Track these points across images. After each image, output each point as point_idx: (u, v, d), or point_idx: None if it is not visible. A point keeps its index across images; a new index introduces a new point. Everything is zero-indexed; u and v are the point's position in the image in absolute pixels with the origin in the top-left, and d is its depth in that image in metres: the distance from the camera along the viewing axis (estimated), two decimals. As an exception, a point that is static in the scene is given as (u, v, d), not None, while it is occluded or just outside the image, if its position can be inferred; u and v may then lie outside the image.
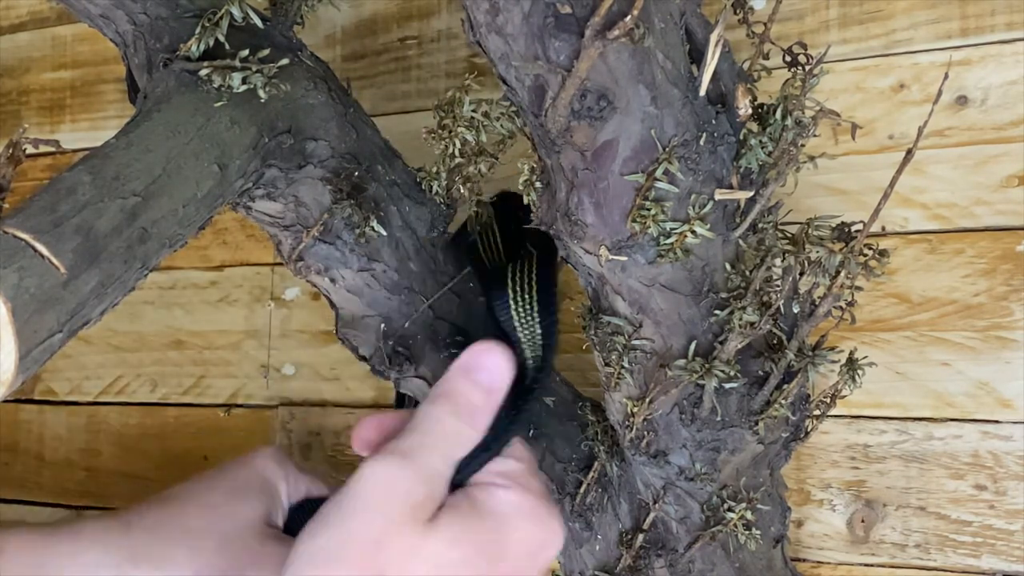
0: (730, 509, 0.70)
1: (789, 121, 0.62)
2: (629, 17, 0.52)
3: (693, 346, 0.65)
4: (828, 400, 0.71)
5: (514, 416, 0.58)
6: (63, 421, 1.10)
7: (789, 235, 0.64)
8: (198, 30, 0.67)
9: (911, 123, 0.80)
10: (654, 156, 0.59)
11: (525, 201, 0.67)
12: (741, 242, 0.65)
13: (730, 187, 0.62)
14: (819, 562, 0.82)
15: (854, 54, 0.83)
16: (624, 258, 0.63)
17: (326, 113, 0.73)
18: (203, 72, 0.65)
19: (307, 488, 0.75)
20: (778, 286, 0.65)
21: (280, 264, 0.92)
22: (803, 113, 0.63)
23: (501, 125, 0.75)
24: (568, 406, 0.79)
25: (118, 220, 0.56)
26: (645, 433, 0.68)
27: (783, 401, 0.67)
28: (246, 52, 0.66)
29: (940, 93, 0.63)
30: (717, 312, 0.65)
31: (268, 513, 0.72)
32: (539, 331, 0.64)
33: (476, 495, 0.54)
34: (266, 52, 0.67)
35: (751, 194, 0.63)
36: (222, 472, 0.75)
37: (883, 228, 0.80)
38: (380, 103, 0.97)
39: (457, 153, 0.76)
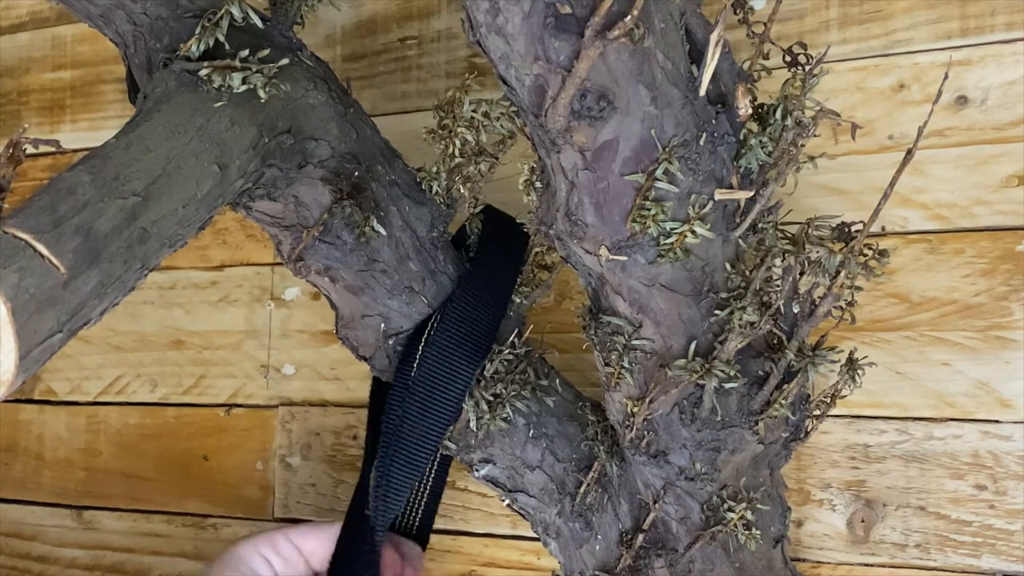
0: (730, 509, 0.70)
1: (789, 121, 0.62)
2: (629, 17, 0.52)
3: (693, 346, 0.65)
4: (828, 400, 0.71)
5: None
6: (63, 421, 1.10)
7: (789, 235, 0.64)
8: (198, 30, 0.67)
9: (911, 123, 0.80)
10: (654, 156, 0.59)
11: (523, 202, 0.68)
12: (741, 242, 0.65)
13: (730, 187, 0.62)
14: (819, 562, 0.82)
15: (854, 54, 0.83)
16: (624, 258, 0.63)
17: (326, 113, 0.73)
18: (203, 72, 0.65)
19: (291, 541, 0.80)
20: (778, 286, 0.65)
21: (280, 264, 0.92)
22: (803, 113, 0.63)
23: (501, 125, 0.75)
24: (568, 406, 0.79)
25: (118, 220, 0.56)
26: (645, 433, 0.68)
27: (783, 401, 0.67)
28: (246, 52, 0.66)
29: (940, 93, 0.63)
30: (717, 312, 0.65)
31: None
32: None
33: None
34: (266, 52, 0.67)
35: (751, 194, 0.63)
36: None
37: (883, 228, 0.79)
38: (380, 103, 0.97)
39: (457, 153, 0.76)
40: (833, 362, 0.68)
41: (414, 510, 0.84)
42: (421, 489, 0.84)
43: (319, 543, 0.79)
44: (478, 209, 0.81)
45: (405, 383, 0.76)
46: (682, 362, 0.65)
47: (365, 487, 0.79)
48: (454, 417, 0.76)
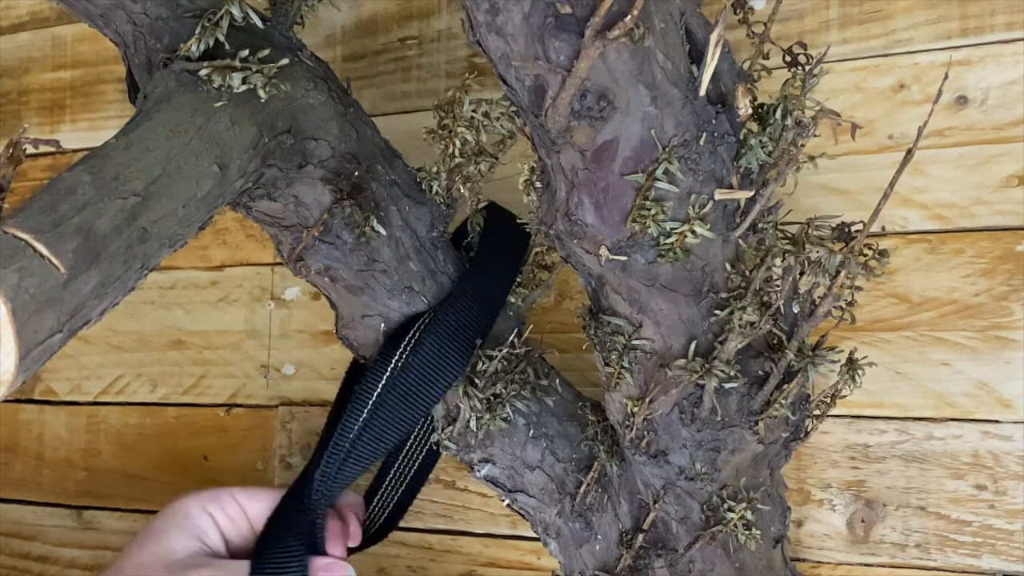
0: (730, 509, 0.71)
1: (789, 121, 0.62)
2: (629, 17, 0.52)
3: (693, 346, 0.65)
4: (828, 400, 0.71)
5: None
6: (63, 421, 1.10)
7: (789, 235, 0.64)
8: (198, 30, 0.67)
9: (911, 123, 0.80)
10: (654, 156, 0.59)
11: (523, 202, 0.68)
12: (741, 242, 0.65)
13: (730, 187, 0.62)
14: (819, 562, 0.82)
15: (854, 54, 0.83)
16: (624, 258, 0.63)
17: (326, 113, 0.73)
18: (203, 72, 0.65)
19: (237, 502, 0.79)
20: (778, 286, 0.65)
21: (280, 264, 0.92)
22: (803, 113, 0.63)
23: (501, 125, 0.75)
24: (568, 406, 0.79)
25: (118, 220, 0.56)
26: (645, 433, 0.68)
27: (783, 401, 0.67)
28: (246, 52, 0.66)
29: (940, 93, 0.63)
30: (717, 312, 0.65)
31: (183, 548, 0.77)
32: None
33: None
34: (266, 52, 0.67)
35: (751, 194, 0.63)
36: (147, 527, 0.80)
37: (883, 228, 0.80)
38: (380, 103, 0.97)
39: (457, 153, 0.76)
40: (833, 362, 0.68)
41: (386, 501, 0.84)
42: (397, 482, 0.84)
43: (264, 506, 0.79)
44: (481, 206, 0.81)
45: (385, 368, 0.75)
46: (682, 362, 0.65)
47: (317, 462, 0.79)
48: (428, 413, 0.77)
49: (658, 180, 0.59)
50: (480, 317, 0.78)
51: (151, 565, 0.75)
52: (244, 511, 0.79)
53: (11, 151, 0.55)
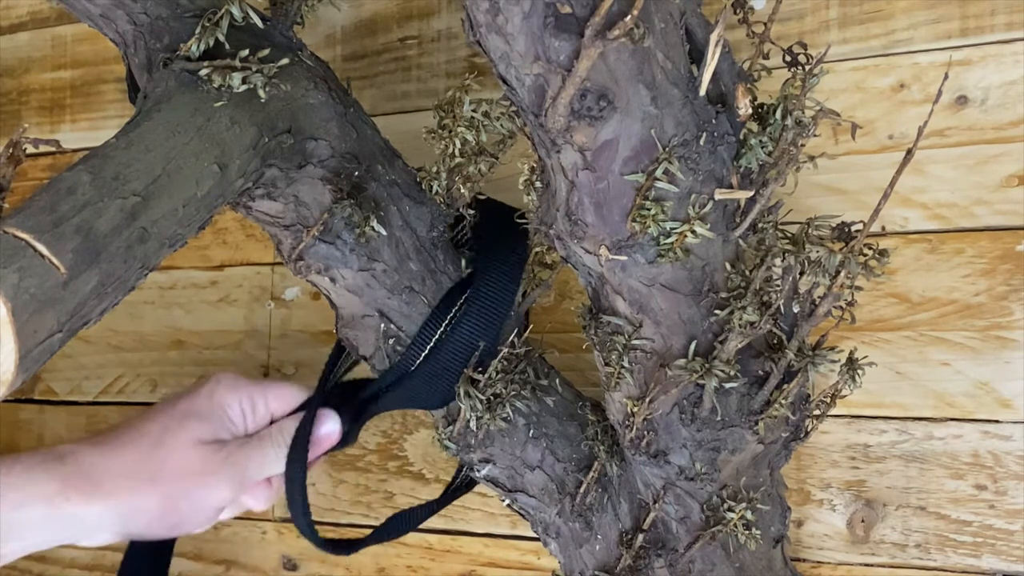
0: (730, 509, 0.71)
1: (789, 121, 0.62)
2: (629, 17, 0.52)
3: (693, 346, 0.66)
4: (828, 400, 0.71)
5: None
6: (63, 421, 1.10)
7: (789, 235, 0.64)
8: (198, 30, 0.67)
9: (911, 123, 0.80)
10: (654, 156, 0.59)
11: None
12: (741, 242, 0.65)
13: (730, 187, 0.62)
14: (819, 562, 0.82)
15: (854, 54, 0.83)
16: (624, 258, 0.63)
17: (326, 113, 0.73)
18: (203, 72, 0.65)
19: (267, 401, 0.83)
20: (778, 286, 0.65)
21: (280, 264, 0.92)
22: (803, 113, 0.63)
23: (501, 125, 0.75)
24: (568, 406, 0.79)
25: (118, 220, 0.56)
26: (645, 433, 0.68)
27: (783, 401, 0.67)
28: (246, 52, 0.66)
29: (940, 93, 0.63)
30: (717, 312, 0.65)
31: (214, 434, 0.80)
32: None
33: None
34: (266, 52, 0.67)
35: (751, 194, 0.63)
36: (167, 401, 0.83)
37: (883, 228, 0.80)
38: (380, 103, 0.97)
39: (457, 153, 0.76)
40: (833, 362, 0.68)
41: None
42: None
43: (286, 406, 0.84)
44: (473, 202, 0.80)
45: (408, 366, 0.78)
46: (682, 362, 0.65)
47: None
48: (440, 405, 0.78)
49: (658, 180, 0.59)
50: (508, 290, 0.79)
51: (187, 444, 0.79)
52: (269, 411, 0.83)
53: (11, 151, 0.56)
